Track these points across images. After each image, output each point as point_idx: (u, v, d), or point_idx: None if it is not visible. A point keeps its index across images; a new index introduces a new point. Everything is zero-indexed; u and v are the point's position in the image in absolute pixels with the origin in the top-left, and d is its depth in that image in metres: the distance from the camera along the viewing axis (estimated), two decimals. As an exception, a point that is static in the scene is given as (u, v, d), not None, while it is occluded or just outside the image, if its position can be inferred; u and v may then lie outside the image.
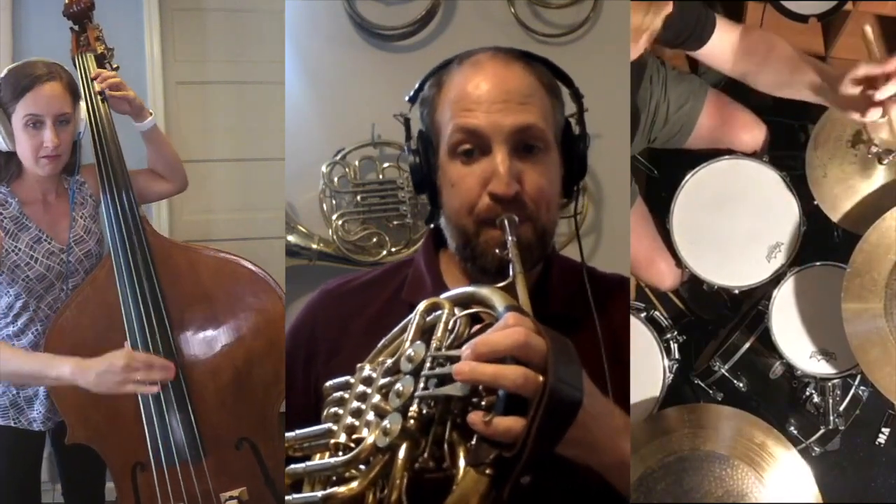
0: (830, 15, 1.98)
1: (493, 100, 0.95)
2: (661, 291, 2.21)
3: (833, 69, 1.54)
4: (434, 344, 0.80)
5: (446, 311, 0.83)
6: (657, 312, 2.08)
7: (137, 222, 1.58)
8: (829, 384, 1.92)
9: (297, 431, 0.86)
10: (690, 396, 2.13)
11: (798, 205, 1.90)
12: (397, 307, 1.03)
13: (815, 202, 1.87)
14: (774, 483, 1.67)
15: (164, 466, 1.55)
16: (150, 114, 1.71)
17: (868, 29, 1.51)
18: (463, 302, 0.84)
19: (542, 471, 0.72)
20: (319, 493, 0.77)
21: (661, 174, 2.21)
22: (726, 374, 2.01)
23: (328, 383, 0.89)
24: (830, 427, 1.93)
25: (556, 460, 0.75)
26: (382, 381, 0.82)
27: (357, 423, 0.81)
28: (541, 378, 0.71)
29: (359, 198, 1.97)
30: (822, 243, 2.00)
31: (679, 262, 1.97)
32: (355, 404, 0.83)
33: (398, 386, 0.77)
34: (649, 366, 1.91)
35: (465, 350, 0.74)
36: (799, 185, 1.90)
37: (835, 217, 1.87)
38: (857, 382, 1.94)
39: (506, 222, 0.94)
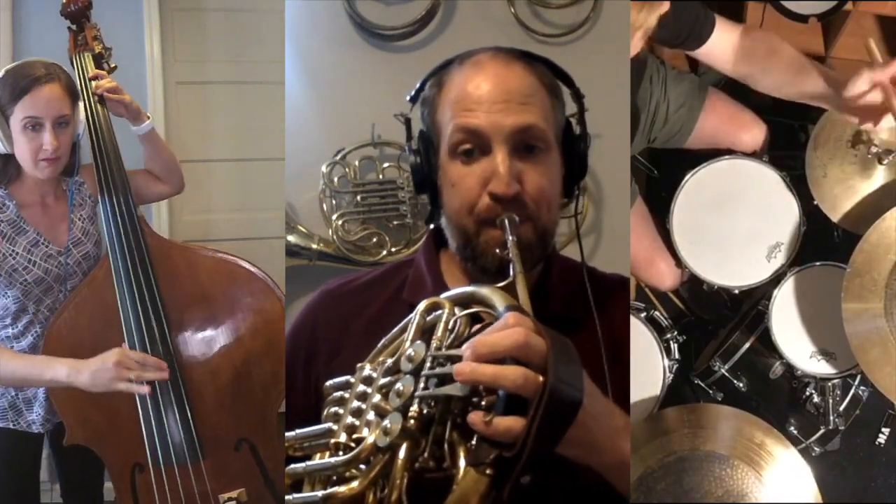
0: (830, 15, 1.98)
1: (493, 100, 0.95)
2: (661, 291, 2.21)
3: (838, 74, 1.55)
4: (434, 344, 0.80)
5: (446, 310, 0.83)
6: (657, 312, 2.08)
7: (135, 223, 1.58)
8: (829, 384, 1.92)
9: (298, 431, 0.86)
10: (690, 396, 2.13)
11: (798, 205, 1.90)
12: (398, 307, 1.03)
13: (815, 202, 1.88)
14: (773, 482, 1.67)
15: (162, 467, 1.55)
16: (148, 117, 1.70)
17: (871, 42, 1.52)
18: (463, 302, 0.84)
19: (543, 471, 0.72)
20: (320, 493, 0.77)
21: (661, 174, 2.21)
22: (726, 374, 2.01)
23: (328, 383, 0.89)
24: (830, 427, 1.94)
25: (557, 460, 0.75)
26: (383, 380, 0.82)
27: (357, 422, 0.81)
28: (541, 378, 0.71)
29: (359, 198, 1.97)
30: (822, 243, 2.01)
31: (679, 262, 1.97)
32: (356, 404, 0.83)
33: (398, 386, 0.77)
34: (649, 366, 1.91)
35: (465, 349, 0.74)
36: (799, 185, 1.90)
37: (835, 217, 1.87)
38: (857, 382, 1.94)
39: (506, 222, 0.94)
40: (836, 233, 1.99)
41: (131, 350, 1.50)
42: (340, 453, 0.79)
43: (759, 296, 2.00)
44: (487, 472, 0.71)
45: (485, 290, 0.82)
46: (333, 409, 0.85)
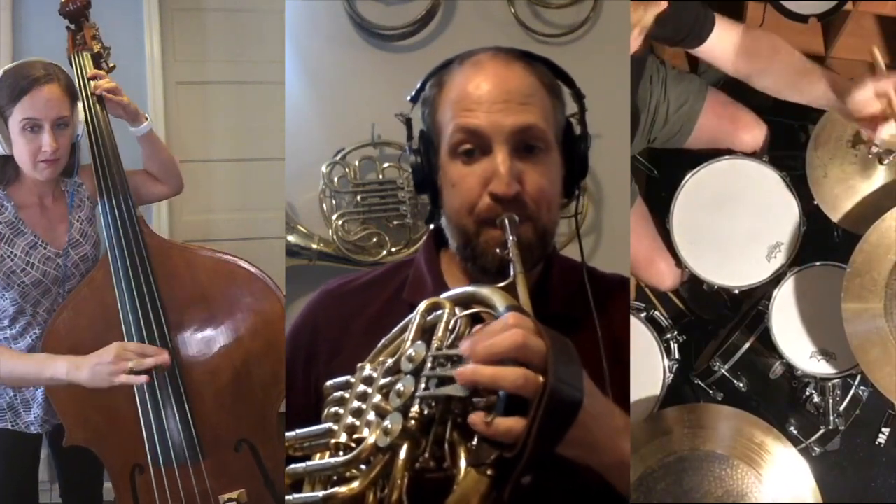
0: (830, 15, 1.98)
1: (493, 100, 0.95)
2: (661, 291, 2.21)
3: (840, 79, 1.57)
4: (435, 344, 0.80)
5: (447, 310, 0.83)
6: (657, 312, 2.08)
7: (135, 223, 1.57)
8: (829, 384, 1.92)
9: (298, 431, 0.86)
10: (690, 396, 2.13)
11: (798, 205, 1.90)
12: (398, 307, 1.03)
13: (815, 202, 1.88)
14: (773, 482, 1.67)
15: (162, 468, 1.55)
16: (146, 118, 1.69)
17: (876, 51, 1.54)
18: (463, 302, 0.84)
19: (543, 471, 0.72)
20: (320, 493, 0.77)
21: (661, 174, 2.21)
22: (726, 374, 2.01)
23: (329, 383, 0.89)
24: (830, 427, 1.94)
25: (557, 460, 0.75)
26: (383, 380, 0.82)
27: (358, 422, 0.81)
28: (541, 379, 0.71)
29: (359, 198, 1.97)
30: (822, 243, 2.01)
31: (679, 262, 1.97)
32: (356, 404, 0.83)
33: (399, 386, 0.77)
34: (649, 366, 1.91)
35: (464, 344, 0.74)
36: (799, 185, 1.90)
37: (835, 217, 1.87)
38: (857, 382, 1.94)
39: (506, 222, 0.94)
40: (836, 233, 1.99)
41: (130, 342, 1.49)
42: (341, 453, 0.79)
43: (759, 296, 2.00)
44: (488, 472, 0.71)
45: (485, 291, 0.82)
46: (334, 410, 0.85)
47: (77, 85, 1.61)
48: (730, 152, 1.95)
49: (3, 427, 1.64)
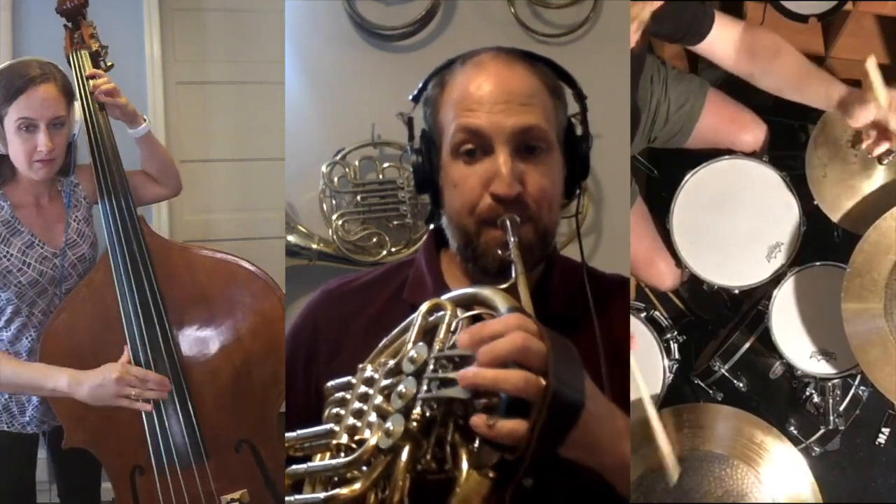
0: (830, 15, 1.98)
1: (495, 100, 0.95)
2: (661, 291, 2.21)
3: (843, 88, 1.62)
4: (436, 346, 0.79)
5: (449, 312, 0.83)
6: (657, 312, 2.08)
7: (135, 223, 1.57)
8: (829, 384, 1.92)
9: (299, 432, 0.86)
10: (690, 396, 2.13)
11: (798, 205, 1.90)
12: (398, 307, 1.03)
13: (815, 202, 1.88)
14: (771, 478, 1.67)
15: (165, 470, 1.54)
16: (145, 119, 1.69)
17: (870, 63, 1.57)
18: (465, 303, 0.84)
19: (544, 473, 0.72)
20: (322, 495, 0.77)
21: (661, 174, 2.21)
22: (726, 374, 2.01)
23: (329, 383, 0.89)
24: (830, 427, 1.94)
25: (558, 462, 0.75)
26: (384, 382, 0.82)
27: (359, 423, 0.80)
28: (542, 381, 0.71)
29: (359, 198, 1.97)
30: (822, 243, 2.01)
31: (679, 262, 1.97)
32: (357, 405, 0.83)
33: (401, 387, 0.77)
34: (649, 366, 1.91)
35: (463, 335, 0.75)
36: (799, 185, 1.90)
37: (835, 217, 1.87)
38: (857, 382, 1.94)
39: (507, 223, 0.94)
40: (836, 233, 1.99)
41: (134, 366, 1.49)
42: (342, 454, 0.79)
43: (759, 296, 2.00)
44: (490, 474, 0.71)
45: (487, 292, 0.82)
46: (335, 410, 0.85)
47: (75, 83, 1.61)
48: (730, 152, 1.95)
49: (-1, 428, 1.64)
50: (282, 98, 2.00)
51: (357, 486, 0.75)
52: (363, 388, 0.84)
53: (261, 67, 2.54)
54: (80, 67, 1.64)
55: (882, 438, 2.03)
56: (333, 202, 1.98)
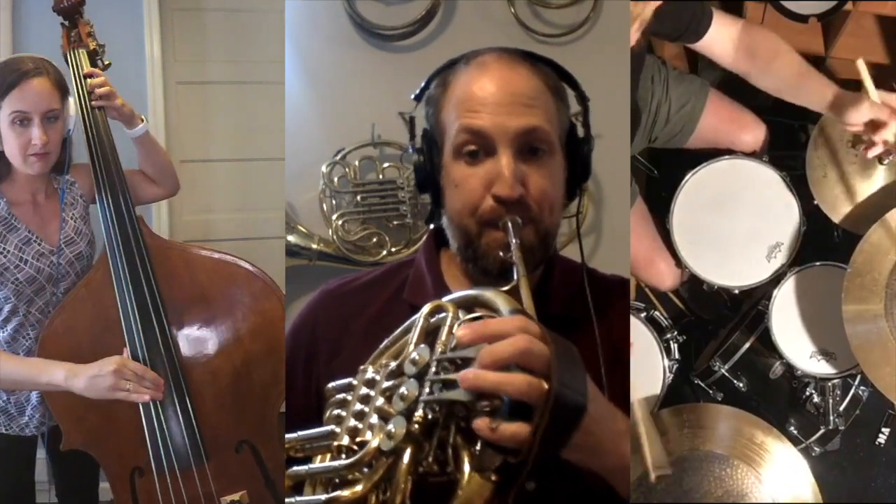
0: (830, 15, 1.98)
1: (498, 101, 0.95)
2: (661, 291, 2.20)
3: (839, 91, 1.63)
4: (438, 348, 0.79)
5: (450, 314, 0.82)
6: (657, 312, 2.08)
7: (134, 221, 1.56)
8: (829, 384, 1.92)
9: (300, 433, 0.85)
10: (690, 396, 2.13)
11: (798, 205, 1.90)
12: (398, 307, 1.03)
13: (815, 202, 1.88)
14: (771, 478, 1.67)
15: (165, 471, 1.54)
16: (142, 120, 1.68)
17: (860, 65, 1.59)
18: (467, 305, 0.84)
19: (547, 476, 0.72)
20: (323, 496, 0.77)
21: (661, 174, 2.21)
22: (726, 374, 2.01)
23: (330, 385, 0.89)
24: (830, 427, 1.94)
25: (560, 464, 0.75)
26: (386, 383, 0.82)
27: (360, 425, 0.80)
28: (545, 384, 0.71)
29: (359, 198, 1.97)
30: (822, 243, 2.01)
31: (679, 262, 1.97)
32: (358, 406, 0.82)
33: (402, 389, 0.77)
34: (649, 366, 1.90)
35: (464, 329, 0.75)
36: (799, 185, 1.90)
37: (835, 217, 1.87)
38: (857, 382, 1.94)
39: (509, 225, 0.93)
40: (837, 233, 1.99)
41: (132, 360, 1.49)
42: (343, 456, 0.79)
43: (759, 296, 2.00)
44: (492, 477, 0.70)
45: (489, 294, 0.82)
46: (336, 412, 0.84)
47: (73, 81, 1.60)
48: (730, 152, 1.95)
49: (-3, 431, 1.63)
50: (282, 98, 2.00)
51: (358, 487, 0.75)
52: (364, 390, 0.83)
53: (261, 67, 2.54)
54: (77, 66, 1.64)
55: (882, 438, 2.03)
56: (333, 202, 1.98)
